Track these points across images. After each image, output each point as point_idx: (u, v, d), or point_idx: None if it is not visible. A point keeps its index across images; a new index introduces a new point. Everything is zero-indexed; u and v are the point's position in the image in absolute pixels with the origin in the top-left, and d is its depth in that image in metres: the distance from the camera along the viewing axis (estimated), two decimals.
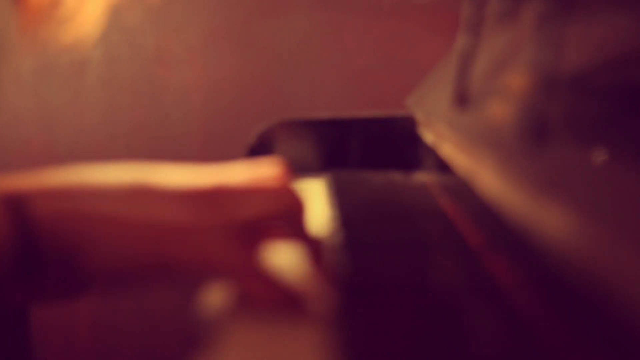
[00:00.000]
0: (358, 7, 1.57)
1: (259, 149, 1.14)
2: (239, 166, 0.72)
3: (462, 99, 0.83)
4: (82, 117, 1.59)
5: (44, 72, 1.52)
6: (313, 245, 0.68)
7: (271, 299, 0.59)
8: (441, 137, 0.89)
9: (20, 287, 0.56)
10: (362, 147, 1.22)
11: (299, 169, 1.16)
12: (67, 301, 0.60)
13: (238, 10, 1.59)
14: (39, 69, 1.50)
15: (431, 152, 1.01)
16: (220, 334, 0.53)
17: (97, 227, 0.59)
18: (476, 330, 0.52)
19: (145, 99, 1.60)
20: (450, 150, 0.84)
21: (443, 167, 0.92)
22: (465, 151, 0.74)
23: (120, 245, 0.59)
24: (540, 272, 0.58)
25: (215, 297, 0.63)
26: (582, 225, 0.43)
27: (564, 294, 0.53)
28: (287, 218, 0.68)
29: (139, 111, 1.60)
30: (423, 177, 1.08)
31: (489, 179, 0.67)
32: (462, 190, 0.82)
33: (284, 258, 0.68)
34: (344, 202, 0.91)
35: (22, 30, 0.72)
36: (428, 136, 1.03)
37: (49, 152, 1.57)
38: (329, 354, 0.49)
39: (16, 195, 0.57)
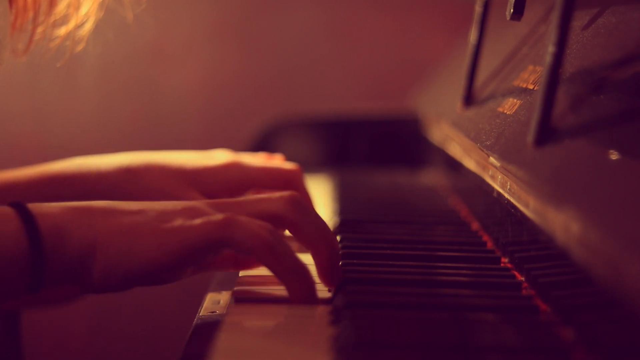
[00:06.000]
0: (362, 1, 1.57)
1: (261, 147, 1.13)
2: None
3: (473, 98, 0.82)
4: (75, 117, 1.57)
5: (36, 69, 1.50)
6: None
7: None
8: (450, 136, 0.89)
9: (22, 295, 0.55)
10: (366, 145, 1.21)
11: (302, 166, 1.15)
12: (62, 306, 0.58)
13: (239, 3, 1.57)
14: (31, 66, 1.48)
15: (437, 150, 1.00)
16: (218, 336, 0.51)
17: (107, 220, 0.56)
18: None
19: (141, 98, 1.59)
20: (459, 149, 0.84)
21: (450, 165, 0.91)
22: (475, 150, 0.73)
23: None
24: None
25: (213, 300, 0.62)
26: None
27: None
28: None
29: (134, 111, 1.59)
30: (428, 176, 1.07)
31: (498, 177, 0.67)
32: (471, 190, 0.81)
33: None
34: (348, 198, 0.91)
35: (15, 27, 0.70)
36: (435, 135, 1.02)
37: (41, 151, 1.55)
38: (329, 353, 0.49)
39: (25, 206, 0.55)
